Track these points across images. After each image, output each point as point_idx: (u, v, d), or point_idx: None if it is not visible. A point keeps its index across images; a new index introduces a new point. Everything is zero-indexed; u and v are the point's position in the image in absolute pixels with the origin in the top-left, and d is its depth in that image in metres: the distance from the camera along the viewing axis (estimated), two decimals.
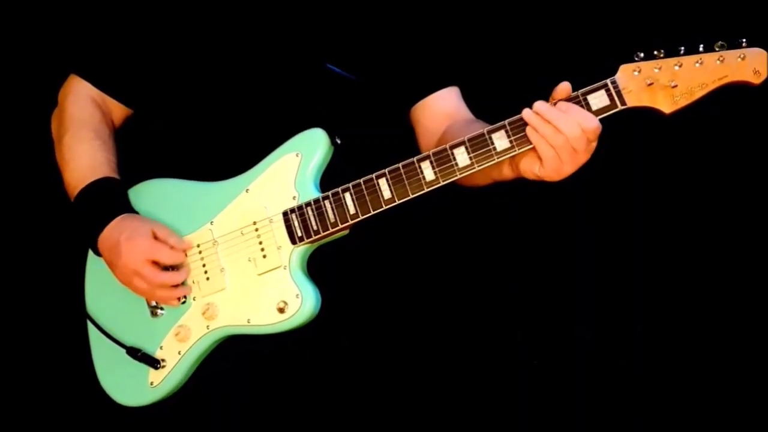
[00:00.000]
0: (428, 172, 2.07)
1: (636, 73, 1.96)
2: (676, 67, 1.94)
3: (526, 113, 1.99)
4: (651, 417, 2.81)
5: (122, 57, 2.39)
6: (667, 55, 1.95)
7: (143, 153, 2.44)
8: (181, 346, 2.22)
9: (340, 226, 2.14)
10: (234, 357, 2.26)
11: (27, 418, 2.88)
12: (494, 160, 2.04)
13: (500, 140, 2.03)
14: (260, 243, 2.19)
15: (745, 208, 2.77)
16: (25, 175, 2.96)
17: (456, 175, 2.06)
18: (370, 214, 2.12)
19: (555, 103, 1.99)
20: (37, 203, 2.91)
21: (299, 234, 2.16)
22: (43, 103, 2.50)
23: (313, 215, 2.16)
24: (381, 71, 2.33)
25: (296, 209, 2.17)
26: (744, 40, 1.91)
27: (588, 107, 1.97)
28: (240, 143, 2.29)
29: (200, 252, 2.24)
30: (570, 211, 2.85)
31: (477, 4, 2.86)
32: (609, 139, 2.00)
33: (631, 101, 1.97)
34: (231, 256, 2.21)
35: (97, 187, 2.27)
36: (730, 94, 1.94)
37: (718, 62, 1.92)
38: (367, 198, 2.12)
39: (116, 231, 2.21)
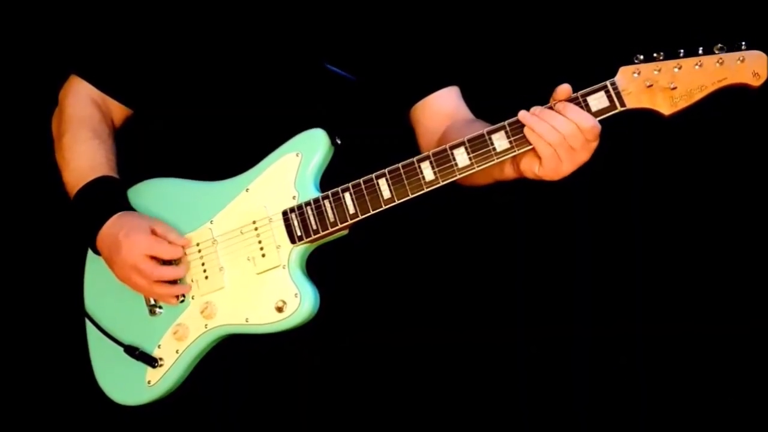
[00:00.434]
0: (428, 172, 2.08)
1: (635, 74, 1.97)
2: (676, 69, 1.95)
3: (522, 114, 2.01)
4: (651, 415, 2.81)
5: (122, 57, 2.39)
6: (667, 57, 1.96)
7: (143, 153, 2.44)
8: (179, 345, 2.22)
9: (340, 226, 2.14)
10: (232, 356, 2.26)
11: (25, 417, 2.88)
12: (494, 160, 2.04)
13: (500, 141, 2.04)
14: (259, 242, 2.19)
15: (744, 208, 2.78)
16: (25, 175, 2.96)
17: (455, 176, 2.06)
18: (369, 214, 2.12)
19: (554, 105, 2.00)
20: (37, 203, 2.92)
21: (298, 233, 2.17)
22: (43, 103, 2.51)
23: (313, 215, 2.16)
24: (381, 71, 2.34)
25: (296, 209, 2.17)
26: (743, 42, 1.92)
27: (588, 108, 1.98)
28: (240, 143, 2.30)
29: (199, 251, 2.24)
30: (570, 211, 2.86)
31: (477, 4, 2.87)
32: (609, 140, 2.01)
33: (631, 103, 1.98)
34: (230, 255, 2.21)
35: (96, 185, 2.27)
36: (730, 97, 1.94)
37: (717, 64, 1.93)
38: (367, 198, 2.12)
39: (115, 228, 2.21)
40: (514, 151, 2.03)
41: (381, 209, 2.11)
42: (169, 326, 2.24)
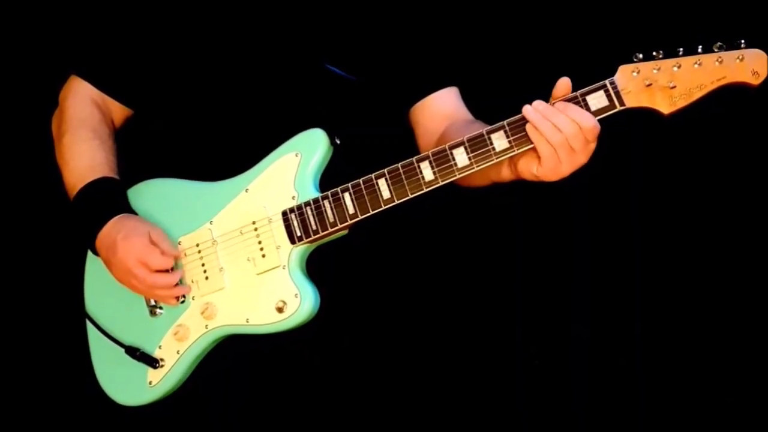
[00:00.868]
0: (427, 172, 2.07)
1: (635, 73, 1.96)
2: (675, 68, 1.94)
3: (527, 109, 1.99)
4: (649, 415, 2.81)
5: (122, 57, 2.39)
6: (666, 56, 1.95)
7: (143, 153, 2.44)
8: (179, 346, 2.22)
9: (340, 226, 2.14)
10: (232, 356, 2.26)
11: (26, 418, 2.88)
12: (493, 160, 2.04)
13: (499, 140, 2.03)
14: (259, 243, 2.19)
15: (744, 208, 2.77)
16: (25, 175, 2.96)
17: (455, 176, 2.06)
18: (369, 214, 2.12)
19: (554, 103, 1.99)
20: (37, 203, 2.91)
21: (298, 234, 2.17)
22: (43, 104, 2.51)
23: (313, 215, 2.16)
24: (380, 72, 2.34)
25: (295, 209, 2.17)
26: (743, 41, 1.91)
27: (587, 108, 1.98)
28: (239, 143, 2.30)
29: (199, 251, 2.24)
30: (568, 212, 2.86)
31: (476, 5, 2.86)
32: (608, 139, 2.00)
33: (630, 102, 1.97)
34: (230, 255, 2.21)
35: (96, 186, 2.27)
36: (729, 95, 1.94)
37: (716, 63, 1.92)
38: (367, 198, 2.12)
39: (114, 230, 2.21)
40: (513, 151, 2.03)
41: (380, 209, 2.11)
42: (170, 327, 2.24)
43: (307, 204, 2.16)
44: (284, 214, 2.18)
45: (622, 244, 2.85)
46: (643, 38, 2.06)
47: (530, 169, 2.03)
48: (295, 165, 2.19)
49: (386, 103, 2.37)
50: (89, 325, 2.34)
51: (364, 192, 2.12)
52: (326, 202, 2.15)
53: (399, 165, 2.10)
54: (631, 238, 2.84)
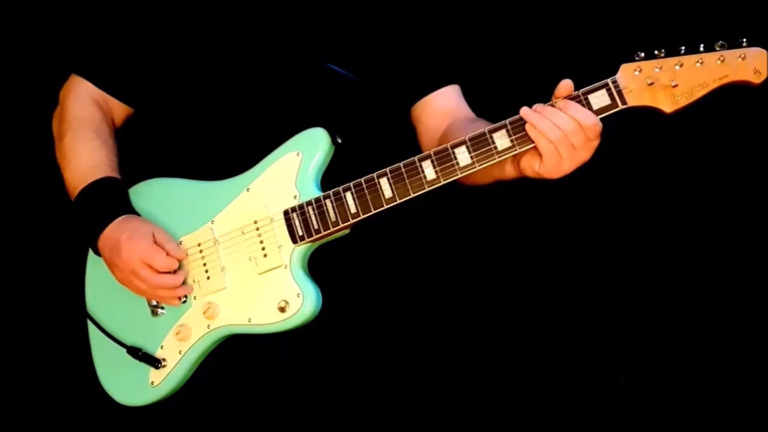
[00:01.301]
0: (429, 171, 2.07)
1: (637, 72, 1.96)
2: (677, 67, 1.94)
3: (524, 110, 2.00)
4: (649, 416, 2.82)
5: (123, 56, 2.38)
6: (668, 55, 1.95)
7: (144, 152, 2.44)
8: (181, 346, 2.22)
9: (341, 226, 2.14)
10: (234, 356, 2.26)
11: (28, 418, 2.88)
12: (495, 159, 2.04)
13: (501, 139, 2.03)
14: (261, 242, 2.19)
15: (744, 208, 2.77)
16: (25, 175, 2.95)
17: (457, 175, 2.06)
18: (371, 213, 2.12)
19: (555, 103, 1.99)
20: (38, 203, 2.91)
21: (300, 233, 2.16)
22: (44, 103, 2.50)
23: (314, 214, 2.16)
24: (381, 70, 2.33)
25: (297, 208, 2.17)
26: (744, 39, 1.91)
27: (589, 107, 1.98)
28: (241, 142, 2.29)
29: (201, 251, 2.24)
30: (570, 210, 2.86)
31: (478, 3, 2.86)
32: (609, 138, 2.01)
33: (632, 101, 1.97)
34: (232, 255, 2.21)
35: (98, 187, 2.27)
36: (731, 94, 1.94)
37: (718, 62, 1.92)
38: (368, 197, 2.12)
39: (117, 231, 2.20)
40: (516, 150, 2.03)
41: (382, 208, 2.11)
42: (172, 327, 2.24)
43: (309, 203, 2.16)
44: (286, 213, 2.18)
45: (622, 245, 2.86)
46: (645, 37, 2.07)
47: (532, 167, 2.03)
48: (297, 164, 2.19)
49: (388, 101, 2.37)
50: (90, 325, 2.34)
51: (366, 191, 2.12)
52: (328, 202, 2.15)
53: (401, 164, 2.10)
54: (632, 239, 2.85)
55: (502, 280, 2.90)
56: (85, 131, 2.36)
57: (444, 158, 2.06)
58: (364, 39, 2.32)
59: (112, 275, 2.25)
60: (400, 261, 2.60)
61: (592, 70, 2.00)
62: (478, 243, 2.92)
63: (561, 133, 1.96)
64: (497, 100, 2.19)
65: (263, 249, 2.19)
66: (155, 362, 2.23)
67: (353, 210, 2.13)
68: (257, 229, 2.20)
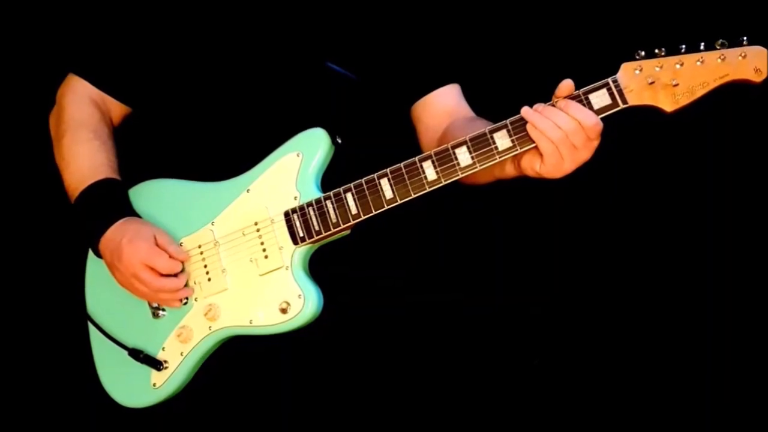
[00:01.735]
0: (430, 171, 2.07)
1: (637, 71, 1.96)
2: (678, 66, 1.94)
3: (525, 110, 2.00)
4: (649, 416, 2.82)
5: (121, 56, 2.37)
6: (668, 54, 1.95)
7: (143, 153, 2.44)
8: (183, 347, 2.22)
9: (342, 226, 2.14)
10: (236, 357, 2.26)
11: (29, 421, 2.88)
12: (496, 159, 2.04)
13: (502, 139, 2.03)
14: (262, 243, 2.19)
15: (745, 208, 2.77)
16: (24, 175, 2.94)
17: (458, 175, 2.06)
18: (371, 214, 2.12)
19: (556, 102, 1.99)
20: (37, 204, 2.90)
21: (301, 234, 2.16)
22: (41, 103, 2.49)
23: (315, 215, 2.15)
24: (382, 69, 2.33)
25: (298, 209, 2.17)
26: (745, 38, 1.91)
27: (590, 106, 1.98)
28: (240, 142, 2.29)
29: (201, 253, 2.24)
30: (571, 209, 2.86)
31: (478, 2, 2.85)
32: (610, 137, 2.00)
33: (633, 100, 1.97)
34: (232, 256, 2.21)
35: (98, 188, 2.26)
36: (732, 93, 1.94)
37: (719, 61, 1.92)
38: (369, 198, 2.11)
39: (118, 233, 2.20)
40: (516, 150, 2.02)
41: (383, 209, 2.11)
42: (173, 329, 2.23)
43: (310, 204, 2.16)
44: (286, 214, 2.17)
45: (622, 245, 2.86)
46: (646, 36, 2.06)
47: (533, 167, 2.03)
48: (297, 165, 2.19)
49: (388, 100, 2.37)
50: (91, 327, 2.34)
51: (367, 192, 2.11)
52: (328, 203, 2.14)
53: (401, 165, 2.09)
54: (633, 239, 2.85)
55: (503, 280, 2.90)
56: (83, 132, 2.35)
57: (445, 158, 2.06)
58: (364, 38, 2.32)
59: (113, 277, 2.25)
60: (400, 261, 2.60)
61: (593, 70, 2.00)
62: (479, 242, 2.92)
63: (562, 133, 1.96)
64: (497, 100, 2.19)
65: (264, 250, 2.18)
66: (157, 364, 2.22)
67: (354, 211, 2.13)
68: (258, 230, 2.19)
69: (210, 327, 2.21)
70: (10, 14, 2.95)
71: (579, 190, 2.64)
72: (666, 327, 2.85)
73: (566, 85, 1.99)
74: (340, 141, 2.20)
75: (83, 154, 2.32)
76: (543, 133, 1.97)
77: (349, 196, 2.13)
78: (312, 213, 2.16)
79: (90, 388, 2.32)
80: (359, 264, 2.35)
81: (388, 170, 2.10)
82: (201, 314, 2.21)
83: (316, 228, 2.15)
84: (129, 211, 2.27)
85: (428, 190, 2.08)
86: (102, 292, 2.33)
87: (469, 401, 2.73)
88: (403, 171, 2.09)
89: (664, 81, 1.95)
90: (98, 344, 2.33)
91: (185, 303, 2.23)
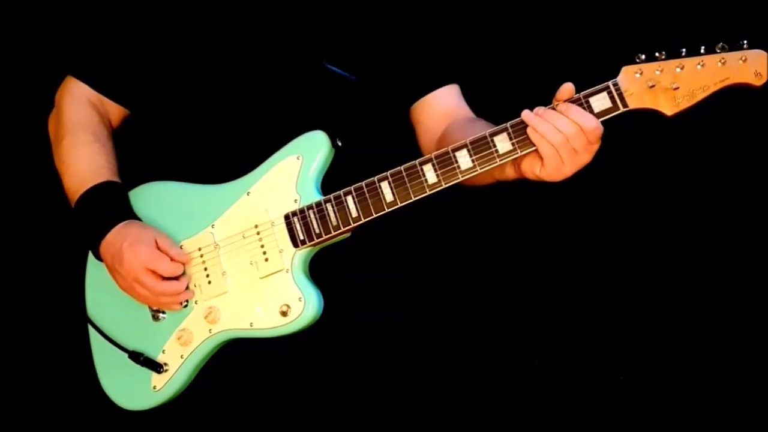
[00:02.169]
0: (430, 174, 2.07)
1: (638, 75, 1.96)
2: (678, 69, 1.94)
3: (526, 113, 2.00)
4: (649, 416, 2.83)
5: (119, 58, 2.37)
6: (669, 57, 1.95)
7: (143, 155, 2.43)
8: (183, 350, 2.22)
9: (342, 229, 2.14)
10: (237, 360, 2.25)
11: (30, 423, 2.88)
12: (496, 162, 2.04)
13: (502, 143, 2.03)
14: (262, 246, 2.19)
15: (745, 211, 2.78)
16: (24, 178, 2.94)
17: (458, 178, 2.06)
18: (372, 217, 2.12)
19: (556, 106, 1.99)
20: (37, 207, 2.90)
21: (301, 237, 2.16)
22: (40, 105, 2.48)
23: (315, 218, 2.15)
24: (381, 69, 2.33)
25: (298, 212, 2.17)
26: (745, 41, 1.91)
27: (590, 109, 1.98)
28: (240, 145, 2.29)
29: (202, 255, 2.24)
30: (571, 210, 2.86)
31: (478, 3, 2.85)
32: (610, 140, 2.00)
33: (633, 103, 1.97)
34: (233, 259, 2.21)
35: (98, 191, 2.26)
36: (732, 97, 1.94)
37: (719, 64, 1.92)
38: (369, 201, 2.11)
39: (119, 237, 2.19)
40: (517, 153, 2.03)
41: (384, 212, 2.11)
42: (173, 331, 2.23)
43: (310, 207, 2.16)
44: (287, 217, 2.17)
45: (622, 245, 2.86)
46: (646, 39, 2.06)
47: (533, 170, 2.03)
48: (297, 168, 2.19)
49: (387, 101, 2.37)
50: (91, 329, 2.34)
51: (367, 195, 2.11)
52: (329, 206, 2.14)
53: (402, 168, 2.10)
54: (633, 240, 2.85)
55: (503, 280, 2.90)
56: (83, 134, 2.34)
57: (445, 162, 2.06)
58: (363, 38, 2.32)
59: (113, 281, 2.25)
60: (400, 262, 2.60)
61: (593, 73, 2.00)
62: (479, 242, 2.92)
63: (562, 136, 1.96)
64: (497, 102, 2.19)
65: (264, 253, 2.18)
66: (157, 367, 2.22)
67: (354, 214, 2.13)
68: (258, 233, 2.19)
69: (210, 330, 2.20)
70: (8, 17, 2.94)
71: (579, 192, 2.64)
72: (666, 327, 2.85)
73: (567, 89, 1.99)
74: (340, 144, 2.19)
75: (83, 157, 2.32)
76: (543, 137, 1.97)
77: (349, 199, 2.13)
78: (312, 216, 2.16)
79: (90, 391, 2.32)
80: (359, 267, 2.35)
81: (388, 173, 2.10)
82: (201, 317, 2.21)
83: (317, 231, 2.15)
84: (129, 214, 2.26)
85: (429, 193, 2.08)
86: (102, 294, 2.33)
87: (470, 402, 2.73)
88: (404, 174, 2.09)
89: (665, 84, 1.95)
90: (98, 347, 2.33)
91: (185, 306, 2.23)
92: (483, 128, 2.07)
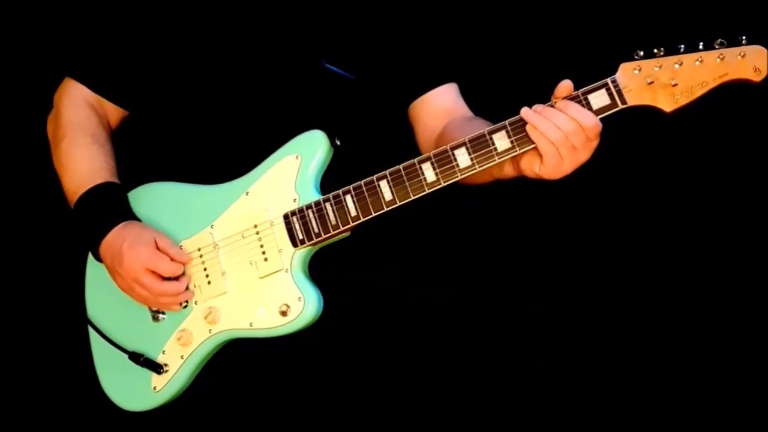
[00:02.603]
0: (429, 173, 2.07)
1: (636, 71, 1.96)
2: (677, 66, 1.94)
3: (525, 111, 2.00)
4: (649, 415, 2.83)
5: (118, 59, 2.37)
6: (667, 53, 1.94)
7: (142, 156, 2.43)
8: (183, 351, 2.22)
9: (342, 229, 2.14)
10: (237, 360, 2.25)
11: (30, 424, 2.88)
12: (495, 160, 2.03)
13: (501, 140, 2.03)
14: (261, 246, 2.18)
15: (744, 208, 2.77)
16: (24, 179, 2.94)
17: (457, 176, 2.05)
18: (371, 216, 2.11)
19: (555, 103, 1.99)
20: (37, 208, 2.90)
21: (300, 237, 2.16)
22: (39, 106, 2.48)
23: (314, 218, 2.15)
24: (379, 68, 2.33)
25: (297, 212, 2.16)
26: (744, 37, 1.90)
27: (589, 107, 1.97)
28: (239, 144, 2.29)
29: (201, 256, 2.23)
30: (570, 207, 2.86)
31: (476, 2, 2.85)
32: (609, 137, 2.00)
33: (632, 100, 1.96)
34: (232, 259, 2.21)
35: (97, 192, 2.25)
36: (731, 92, 1.93)
37: (718, 60, 1.91)
38: (368, 200, 2.11)
39: (119, 238, 2.19)
40: (516, 151, 2.02)
41: (383, 211, 2.10)
42: (173, 332, 2.23)
43: (309, 207, 2.15)
44: (286, 217, 2.17)
45: (622, 245, 2.86)
46: (645, 35, 2.06)
47: (532, 168, 2.03)
48: (296, 167, 2.19)
49: (386, 100, 2.36)
50: (91, 331, 2.34)
51: (366, 194, 2.11)
52: (328, 205, 2.14)
53: (400, 166, 2.09)
54: (633, 239, 2.85)
55: (502, 278, 2.90)
56: (81, 136, 2.34)
57: (444, 160, 2.06)
58: (361, 38, 2.31)
59: (113, 281, 2.24)
60: (399, 260, 2.60)
61: (592, 70, 1.99)
62: (479, 241, 2.92)
63: (561, 134, 1.96)
64: (496, 100, 2.18)
65: (264, 253, 2.18)
66: (157, 368, 2.22)
67: (353, 213, 2.12)
68: (257, 233, 2.19)
69: (210, 330, 2.20)
70: (7, 18, 2.94)
71: (578, 189, 2.64)
72: (665, 326, 2.85)
73: (565, 86, 1.98)
74: (339, 143, 2.19)
75: (81, 158, 2.32)
76: (543, 134, 1.97)
77: (348, 198, 2.13)
78: (311, 215, 2.15)
79: (90, 392, 2.32)
80: (359, 266, 2.35)
81: (387, 172, 2.10)
82: (201, 317, 2.21)
83: (316, 230, 2.15)
84: (128, 215, 2.26)
85: (427, 191, 2.07)
86: (102, 295, 2.33)
87: (470, 401, 2.73)
88: (402, 173, 2.09)
89: (663, 81, 1.94)
90: (98, 348, 2.33)
91: (185, 306, 2.23)
92: (482, 127, 2.06)
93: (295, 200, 2.17)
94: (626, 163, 2.78)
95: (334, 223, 2.14)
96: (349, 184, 2.13)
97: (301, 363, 2.28)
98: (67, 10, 2.86)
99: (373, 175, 2.11)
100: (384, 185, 2.10)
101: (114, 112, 2.43)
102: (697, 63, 1.93)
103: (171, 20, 2.31)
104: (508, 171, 2.10)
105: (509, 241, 2.92)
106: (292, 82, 2.29)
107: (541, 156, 1.99)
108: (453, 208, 2.79)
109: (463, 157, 2.05)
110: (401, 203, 2.09)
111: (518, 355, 2.86)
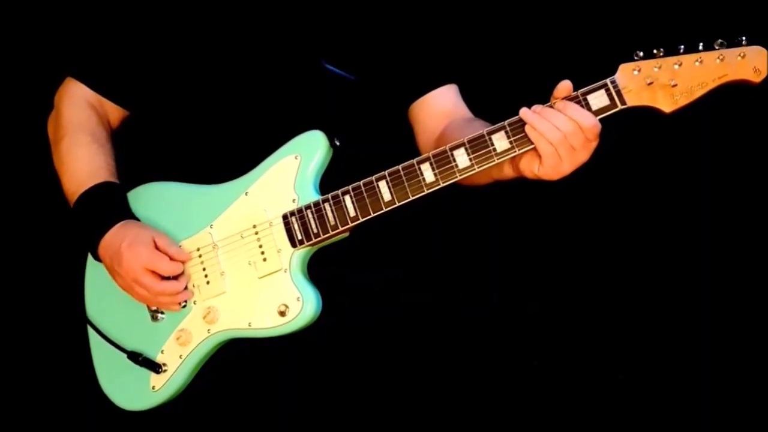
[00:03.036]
0: (428, 173, 2.06)
1: (636, 72, 1.95)
2: (676, 66, 1.93)
3: (524, 111, 1.99)
4: (649, 415, 2.82)
5: (118, 59, 2.37)
6: (667, 54, 1.94)
7: (142, 155, 2.43)
8: (182, 350, 2.22)
9: (340, 229, 2.14)
10: (236, 359, 2.25)
11: (30, 424, 2.88)
12: (494, 161, 2.03)
13: (500, 141, 2.03)
14: (260, 246, 2.18)
15: (744, 208, 2.77)
16: (23, 178, 2.94)
17: (456, 177, 2.05)
18: (370, 217, 2.11)
19: (554, 104, 1.98)
20: (37, 207, 2.90)
21: (299, 237, 2.16)
22: (40, 106, 2.49)
23: (313, 218, 2.15)
24: (379, 69, 2.32)
25: (296, 212, 2.16)
26: (744, 38, 1.90)
27: (588, 107, 1.97)
28: (238, 144, 2.29)
29: (200, 256, 2.23)
30: (569, 207, 2.86)
31: (476, 2, 2.85)
32: (608, 137, 2.00)
33: (631, 101, 1.96)
34: (231, 259, 2.21)
35: (97, 192, 2.26)
36: (731, 93, 1.93)
37: (717, 61, 1.91)
38: (367, 200, 2.11)
39: (117, 237, 2.19)
40: (515, 152, 2.02)
41: (382, 212, 2.10)
42: (172, 332, 2.23)
43: (308, 207, 2.15)
44: (285, 217, 2.17)
45: (622, 245, 2.86)
46: (644, 36, 2.05)
47: (532, 169, 2.03)
48: (295, 167, 2.18)
49: (385, 100, 2.36)
50: (90, 330, 2.34)
51: (365, 194, 2.11)
52: (327, 205, 2.14)
53: (400, 167, 2.09)
54: (633, 239, 2.85)
55: (501, 278, 2.90)
56: (81, 135, 2.34)
57: (443, 161, 2.06)
58: (361, 37, 2.31)
59: (112, 281, 2.25)
60: (398, 260, 2.60)
61: (591, 70, 1.99)
62: (478, 241, 2.92)
63: (561, 134, 1.95)
64: (495, 100, 2.18)
65: (262, 253, 2.18)
66: (156, 367, 2.22)
67: (352, 213, 2.12)
68: (256, 233, 2.19)
69: (209, 330, 2.20)
70: (8, 18, 2.95)
71: (577, 189, 2.64)
72: (664, 325, 2.85)
73: (564, 86, 1.98)
74: (338, 143, 2.19)
75: (81, 158, 2.32)
76: (542, 135, 1.97)
77: (347, 198, 2.13)
78: (310, 216, 2.15)
79: (89, 392, 2.32)
80: (358, 266, 2.34)
81: (386, 172, 2.10)
82: (200, 317, 2.21)
83: (315, 231, 2.15)
84: (128, 214, 2.26)
85: (426, 192, 2.07)
86: (101, 295, 2.33)
87: (469, 400, 2.73)
88: (401, 173, 2.08)
89: (663, 81, 1.94)
90: (97, 347, 2.33)
91: (184, 306, 2.23)
92: (482, 128, 2.06)
93: (294, 200, 2.17)
94: (625, 164, 2.78)
95: (333, 223, 2.14)
96: (349, 185, 2.13)
97: (299, 363, 2.29)
98: (68, 10, 2.86)
99: (372, 175, 2.11)
100: (383, 186, 2.10)
101: (114, 112, 2.43)
102: (697, 64, 1.92)
103: (171, 20, 2.31)
104: (507, 172, 2.10)
105: (508, 242, 2.92)
106: (292, 82, 2.29)
107: (540, 157, 1.99)
108: (452, 208, 2.79)
109: (462, 158, 2.04)
110: (400, 204, 2.09)
111: (517, 355, 2.87)
